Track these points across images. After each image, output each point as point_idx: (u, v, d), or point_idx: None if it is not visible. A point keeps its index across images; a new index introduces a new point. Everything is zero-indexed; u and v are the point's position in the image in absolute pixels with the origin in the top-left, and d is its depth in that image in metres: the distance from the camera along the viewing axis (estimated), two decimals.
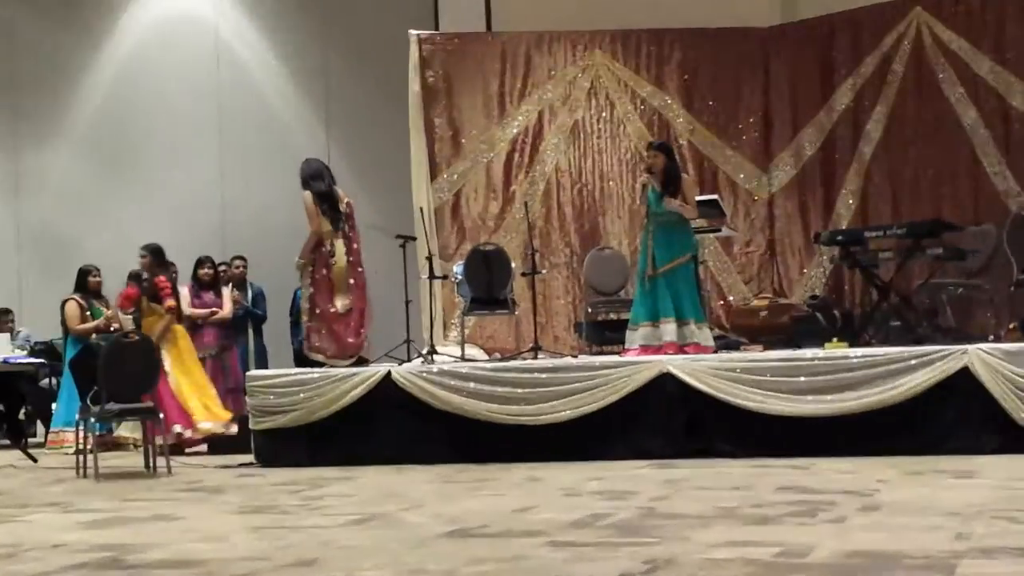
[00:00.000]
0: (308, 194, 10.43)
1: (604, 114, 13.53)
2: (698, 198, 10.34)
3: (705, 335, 9.62)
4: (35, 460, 10.73)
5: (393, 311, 11.46)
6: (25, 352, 12.96)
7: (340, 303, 10.42)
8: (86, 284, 12.32)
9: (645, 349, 9.57)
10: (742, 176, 13.20)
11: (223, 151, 15.44)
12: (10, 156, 16.07)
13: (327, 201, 10.45)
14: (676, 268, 9.62)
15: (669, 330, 9.54)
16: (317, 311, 10.39)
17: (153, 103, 15.66)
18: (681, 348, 9.44)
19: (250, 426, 9.82)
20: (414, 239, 11.58)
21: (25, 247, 15.85)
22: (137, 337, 9.78)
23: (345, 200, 10.60)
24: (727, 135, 13.26)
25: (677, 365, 8.91)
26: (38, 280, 15.47)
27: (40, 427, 13.33)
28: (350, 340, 10.47)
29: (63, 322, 12.32)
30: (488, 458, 9.07)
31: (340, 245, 10.45)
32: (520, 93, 13.71)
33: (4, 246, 15.89)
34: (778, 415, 8.61)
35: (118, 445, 11.78)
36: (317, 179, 10.52)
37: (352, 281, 10.55)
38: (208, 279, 12.50)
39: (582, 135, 13.57)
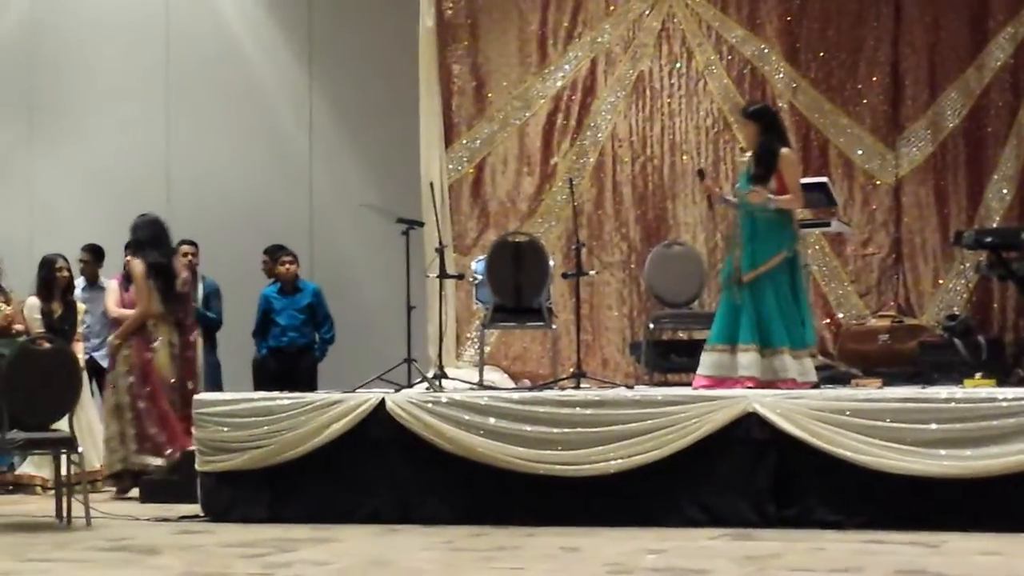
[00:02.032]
0: (139, 263, 11.14)
1: (679, 65, 13.50)
2: (803, 180, 10.28)
3: (804, 368, 9.57)
4: None
5: (391, 320, 11.48)
6: None
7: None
8: (54, 280, 12.27)
9: (715, 381, 9.56)
10: (860, 153, 13.15)
11: (171, 105, 15.46)
12: None
13: (163, 276, 11.17)
14: (764, 275, 9.61)
15: (747, 360, 9.55)
16: (140, 405, 11.02)
17: (79, 36, 15.69)
18: (764, 384, 9.41)
19: (196, 467, 9.84)
20: (421, 224, 11.57)
21: None
22: (50, 345, 9.80)
23: (182, 276, 11.32)
24: (842, 97, 13.21)
25: (767, 403, 8.87)
26: None
27: None
28: (174, 441, 11.01)
29: None
30: (509, 519, 9.04)
31: (166, 332, 11.22)
32: (567, 34, 13.71)
33: None
34: (899, 474, 8.56)
35: (21, 486, 11.81)
36: (154, 247, 11.21)
37: (190, 384, 11.27)
38: None
39: (648, 93, 13.54)
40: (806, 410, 8.79)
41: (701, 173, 10.69)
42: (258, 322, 13.23)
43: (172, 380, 11.26)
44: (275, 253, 13.34)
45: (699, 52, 13.44)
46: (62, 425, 9.70)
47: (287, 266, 13.20)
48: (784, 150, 9.79)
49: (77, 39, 15.71)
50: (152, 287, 11.16)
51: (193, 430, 9.91)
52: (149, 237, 11.29)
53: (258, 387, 12.83)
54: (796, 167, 9.91)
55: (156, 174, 15.30)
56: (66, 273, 12.14)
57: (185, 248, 13.23)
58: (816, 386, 9.55)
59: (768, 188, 9.63)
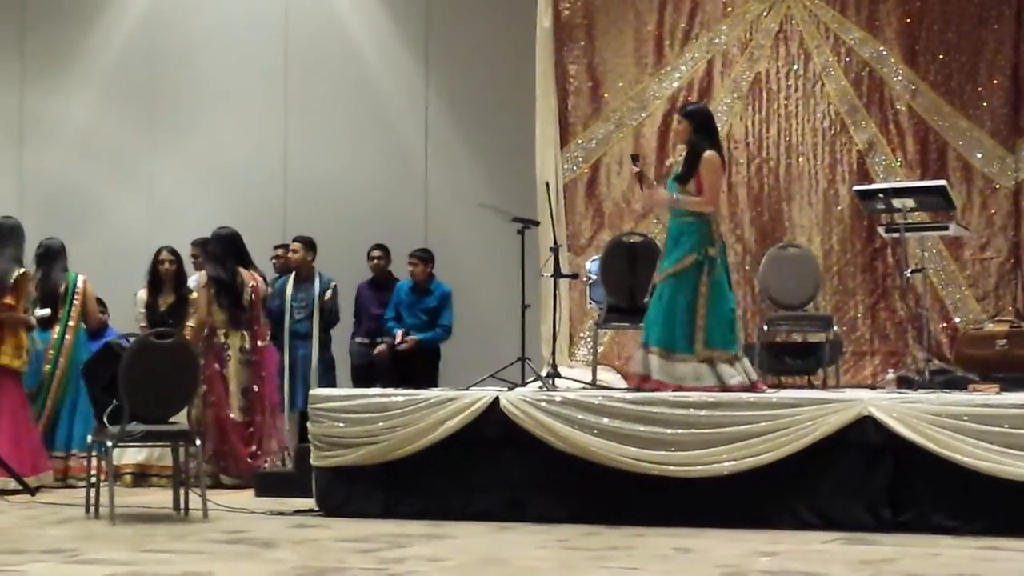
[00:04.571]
0: (203, 276, 11.93)
1: (796, 67, 13.44)
2: (920, 184, 10.22)
3: (699, 373, 9.62)
4: (33, 492, 10.97)
5: (505, 318, 11.50)
6: None
7: (236, 410, 11.69)
8: (158, 272, 12.43)
9: (641, 379, 9.78)
10: (980, 156, 13.03)
11: (288, 103, 15.61)
12: (13, 97, 16.40)
13: (226, 291, 11.78)
14: (673, 277, 9.73)
15: (655, 364, 9.73)
16: (207, 414, 11.51)
17: (201, 38, 15.90)
18: (673, 389, 9.52)
19: (311, 461, 9.92)
20: (536, 224, 11.58)
21: (29, 206, 15.84)
22: (170, 339, 9.90)
23: (251, 284, 11.86)
24: (962, 101, 13.09)
25: (883, 407, 8.81)
26: None
27: None
28: (248, 460, 11.67)
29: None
30: (622, 519, 9.04)
31: (237, 340, 11.82)
32: (684, 35, 13.69)
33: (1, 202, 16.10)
34: (1017, 480, 8.48)
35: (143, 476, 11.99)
36: (220, 261, 11.83)
37: (255, 388, 11.84)
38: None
39: (765, 94, 13.49)
40: (923, 414, 8.73)
41: (635, 157, 10.63)
42: (390, 309, 13.37)
43: (254, 388, 11.80)
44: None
45: (817, 54, 13.38)
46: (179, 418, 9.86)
47: (411, 267, 13.35)
48: (707, 152, 9.76)
49: (197, 37, 15.92)
50: (211, 300, 11.73)
51: (309, 424, 10.00)
52: (217, 252, 11.93)
53: (356, 383, 12.94)
54: (716, 171, 9.81)
55: (273, 172, 15.46)
56: (168, 265, 12.26)
57: (296, 244, 13.37)
58: (744, 388, 9.61)
59: (687, 189, 9.74)
